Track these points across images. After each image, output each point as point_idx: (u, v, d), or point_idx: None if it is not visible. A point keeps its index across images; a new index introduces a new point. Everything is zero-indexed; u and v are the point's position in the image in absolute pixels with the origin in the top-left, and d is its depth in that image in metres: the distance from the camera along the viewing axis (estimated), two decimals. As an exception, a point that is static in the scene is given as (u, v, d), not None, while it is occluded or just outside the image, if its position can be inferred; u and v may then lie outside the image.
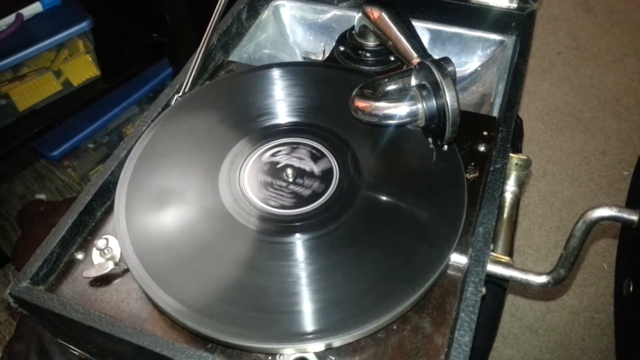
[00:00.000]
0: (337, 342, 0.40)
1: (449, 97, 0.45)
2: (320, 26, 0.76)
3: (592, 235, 1.19)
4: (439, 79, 0.46)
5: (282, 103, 0.57)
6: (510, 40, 0.68)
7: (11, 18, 1.03)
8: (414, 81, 0.51)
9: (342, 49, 0.66)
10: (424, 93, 0.48)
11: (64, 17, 1.07)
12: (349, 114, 0.51)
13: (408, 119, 0.49)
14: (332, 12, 0.75)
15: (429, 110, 0.47)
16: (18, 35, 1.03)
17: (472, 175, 0.52)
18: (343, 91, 0.52)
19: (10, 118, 1.07)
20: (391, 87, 0.52)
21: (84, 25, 1.06)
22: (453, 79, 0.46)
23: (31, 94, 1.07)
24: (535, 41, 1.32)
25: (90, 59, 1.12)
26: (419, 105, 0.48)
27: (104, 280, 0.45)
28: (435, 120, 0.48)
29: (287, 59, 0.78)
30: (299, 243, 0.45)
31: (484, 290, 0.41)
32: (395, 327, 0.42)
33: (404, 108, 0.48)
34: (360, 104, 0.50)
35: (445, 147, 0.49)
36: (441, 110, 0.46)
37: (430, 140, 0.50)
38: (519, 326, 1.10)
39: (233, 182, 0.50)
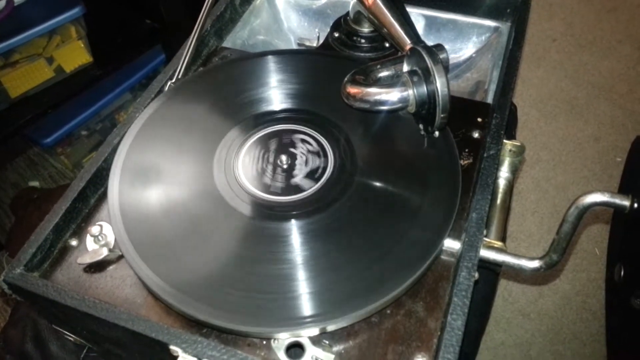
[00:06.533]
0: (331, 326, 0.40)
1: (439, 83, 0.45)
2: (314, 12, 0.76)
3: (585, 220, 1.19)
4: (429, 65, 0.46)
5: (276, 90, 0.57)
6: (505, 26, 0.68)
7: (2, 4, 1.02)
8: (405, 67, 0.51)
9: (336, 35, 0.66)
10: (415, 79, 0.47)
11: (56, 3, 1.05)
12: (343, 100, 0.51)
13: (399, 105, 0.49)
14: (327, -2, 0.74)
15: (419, 96, 0.47)
16: (9, 21, 1.01)
17: (466, 162, 0.52)
18: (338, 78, 0.52)
19: (2, 105, 1.06)
20: (383, 73, 0.52)
21: (76, 11, 1.05)
22: (444, 65, 0.46)
23: (23, 80, 1.06)
24: (530, 28, 1.32)
25: (82, 45, 1.11)
26: (410, 91, 0.48)
27: (98, 266, 0.45)
28: (426, 106, 0.48)
29: (281, 45, 0.77)
30: (293, 229, 0.45)
31: (476, 275, 0.41)
32: (389, 311, 0.42)
33: (395, 94, 0.48)
34: (352, 90, 0.49)
35: (437, 133, 0.49)
36: (431, 96, 0.46)
37: (421, 126, 0.50)
38: (511, 310, 1.11)
39: (228, 168, 0.50)
